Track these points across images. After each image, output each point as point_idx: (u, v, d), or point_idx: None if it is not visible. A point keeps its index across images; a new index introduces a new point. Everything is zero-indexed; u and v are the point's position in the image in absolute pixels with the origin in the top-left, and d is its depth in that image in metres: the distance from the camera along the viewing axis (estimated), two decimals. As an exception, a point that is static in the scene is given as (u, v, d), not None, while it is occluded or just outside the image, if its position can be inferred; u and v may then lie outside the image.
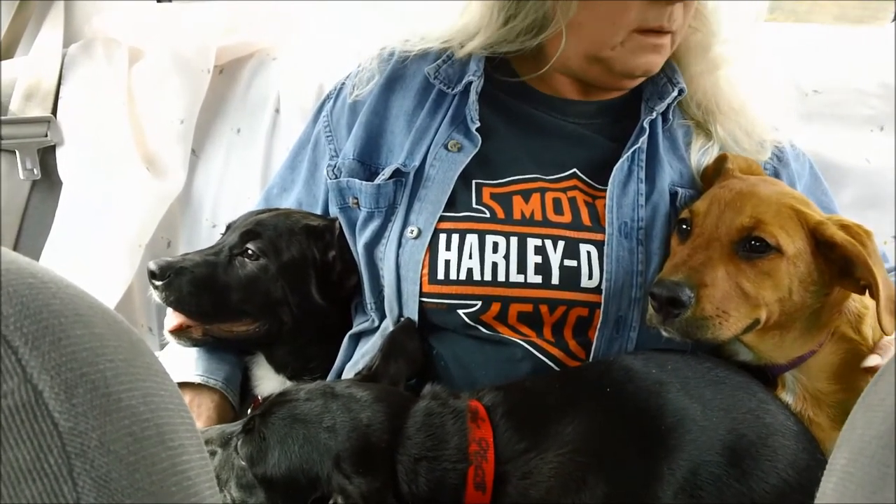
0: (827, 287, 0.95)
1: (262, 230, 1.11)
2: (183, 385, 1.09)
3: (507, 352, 1.01)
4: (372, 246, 1.09)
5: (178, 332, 1.10)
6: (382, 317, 1.10)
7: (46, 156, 1.48)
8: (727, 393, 0.89)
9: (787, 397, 0.98)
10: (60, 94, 1.50)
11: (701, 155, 1.12)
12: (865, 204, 1.41)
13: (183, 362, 1.13)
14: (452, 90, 1.12)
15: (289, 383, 1.12)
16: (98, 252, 1.42)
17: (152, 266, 1.07)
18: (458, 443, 0.86)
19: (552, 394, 0.91)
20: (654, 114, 1.09)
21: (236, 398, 1.14)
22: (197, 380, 1.10)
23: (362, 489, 0.81)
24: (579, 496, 0.81)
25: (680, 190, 1.08)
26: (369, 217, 1.09)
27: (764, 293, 0.91)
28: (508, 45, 1.11)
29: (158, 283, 1.07)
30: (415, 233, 1.03)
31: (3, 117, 1.45)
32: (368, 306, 1.12)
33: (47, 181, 1.48)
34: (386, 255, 1.06)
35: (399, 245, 1.04)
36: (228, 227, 1.17)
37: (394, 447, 0.86)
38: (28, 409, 0.41)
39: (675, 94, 1.10)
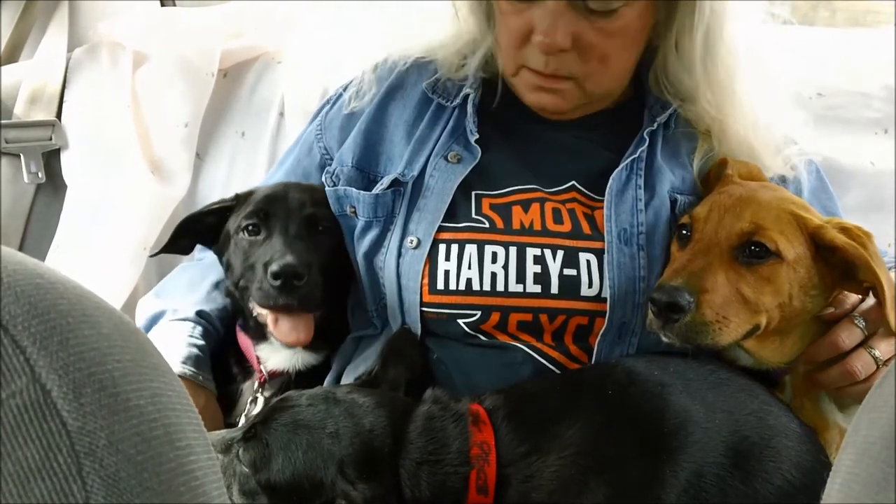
0: (828, 291, 0.95)
1: (314, 206, 1.12)
2: None
3: (507, 356, 1.01)
4: (371, 255, 1.09)
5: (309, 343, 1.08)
6: (384, 323, 1.10)
7: (51, 159, 1.48)
8: (730, 395, 0.89)
9: (784, 396, 0.98)
10: (65, 98, 1.51)
11: (703, 162, 1.12)
12: (870, 207, 1.40)
13: None
14: (451, 103, 1.13)
15: (299, 355, 1.12)
16: (102, 255, 1.42)
17: (293, 263, 1.01)
18: (460, 446, 0.86)
19: (553, 396, 0.91)
20: (655, 124, 1.09)
21: (206, 377, 1.11)
22: None
23: (366, 495, 0.81)
24: (581, 499, 0.81)
25: (679, 197, 1.07)
26: (367, 226, 1.09)
27: (764, 299, 0.91)
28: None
29: (300, 282, 1.02)
30: (414, 243, 1.03)
31: (7, 121, 1.46)
32: (370, 313, 1.12)
33: (52, 185, 1.48)
34: (386, 264, 1.06)
35: (399, 255, 1.04)
36: (239, 197, 1.16)
37: (396, 452, 0.86)
38: (36, 408, 0.41)
39: (677, 102, 1.10)
